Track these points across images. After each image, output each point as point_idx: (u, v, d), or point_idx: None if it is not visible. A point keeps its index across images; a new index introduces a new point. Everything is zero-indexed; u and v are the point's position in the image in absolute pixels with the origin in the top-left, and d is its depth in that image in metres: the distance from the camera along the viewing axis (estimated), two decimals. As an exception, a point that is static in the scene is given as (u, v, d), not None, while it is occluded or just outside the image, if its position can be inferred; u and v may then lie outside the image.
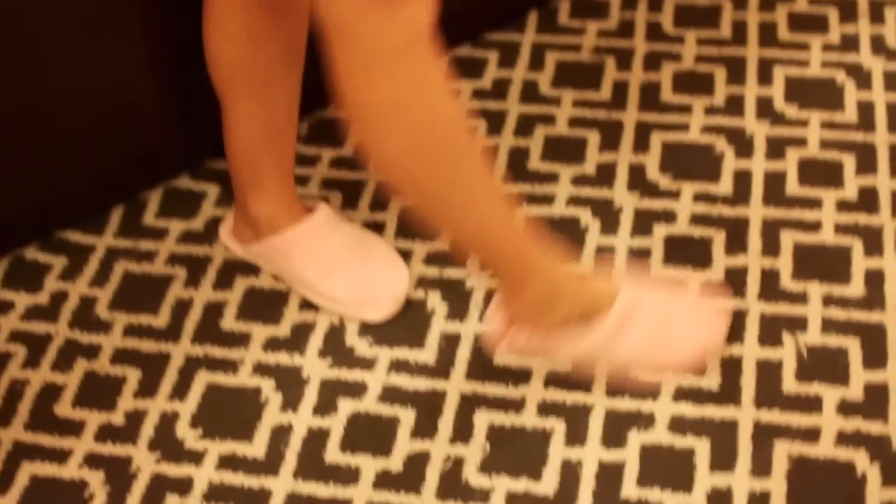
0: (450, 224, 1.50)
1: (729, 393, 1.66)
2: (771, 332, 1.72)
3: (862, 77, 2.05)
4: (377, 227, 1.87)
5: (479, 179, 1.46)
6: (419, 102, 1.36)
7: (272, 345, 1.75)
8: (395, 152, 1.40)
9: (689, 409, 1.64)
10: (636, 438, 1.62)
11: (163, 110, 1.87)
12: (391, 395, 1.69)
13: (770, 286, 1.77)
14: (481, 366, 1.71)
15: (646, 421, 1.63)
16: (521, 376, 1.69)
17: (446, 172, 1.42)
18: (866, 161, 1.92)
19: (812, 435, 1.61)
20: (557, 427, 1.64)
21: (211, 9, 1.64)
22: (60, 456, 1.66)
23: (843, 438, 1.60)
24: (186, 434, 1.66)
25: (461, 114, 1.42)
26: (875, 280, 1.77)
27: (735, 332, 1.72)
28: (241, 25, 1.63)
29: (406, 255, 1.83)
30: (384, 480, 1.60)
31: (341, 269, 1.76)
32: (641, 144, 1.96)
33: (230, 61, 1.67)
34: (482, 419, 1.65)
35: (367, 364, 1.72)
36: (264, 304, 1.80)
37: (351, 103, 1.38)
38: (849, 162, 1.92)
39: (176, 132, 1.92)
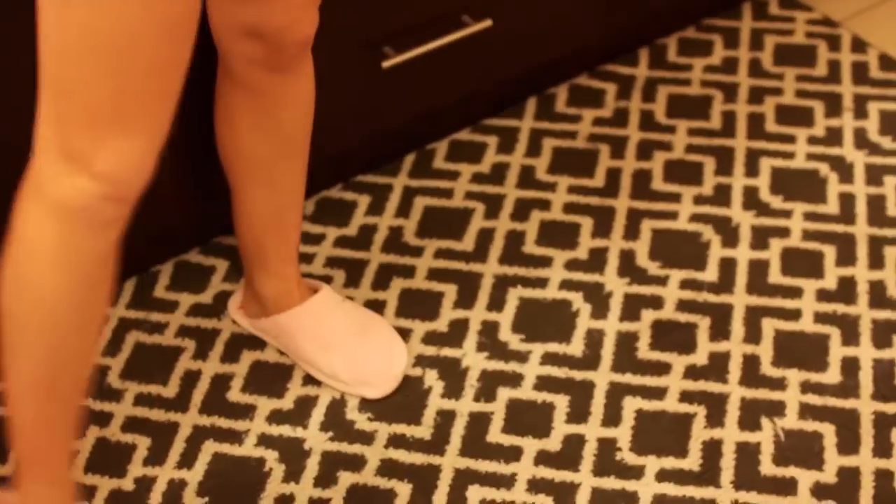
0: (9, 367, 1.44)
1: (709, 474, 1.74)
2: (750, 416, 1.80)
3: (844, 170, 2.15)
4: (378, 306, 1.96)
5: (52, 372, 1.42)
6: (41, 262, 1.35)
7: (276, 417, 1.84)
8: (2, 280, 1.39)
9: (671, 489, 1.73)
10: (620, 516, 1.71)
11: (175, 187, 1.96)
12: (389, 468, 1.77)
13: (751, 372, 1.86)
14: (475, 442, 1.79)
15: (629, 499, 1.72)
16: (512, 454, 1.77)
17: (34, 331, 1.39)
18: (846, 252, 2.02)
19: (787, 517, 1.70)
20: (546, 503, 1.72)
21: (219, 101, 1.75)
22: (72, 520, 1.74)
23: (817, 521, 1.69)
24: (193, 502, 1.74)
25: (88, 300, 1.39)
26: (851, 368, 1.86)
27: (716, 415, 1.80)
28: (245, 117, 1.73)
29: (405, 334, 1.92)
30: (380, 551, 1.69)
31: (341, 348, 1.85)
32: (632, 231, 2.06)
33: (236, 149, 1.77)
34: (475, 494, 1.73)
35: (367, 438, 1.80)
36: (269, 378, 1.89)
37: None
38: (829, 253, 2.02)
39: (187, 208, 2.01)
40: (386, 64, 1.99)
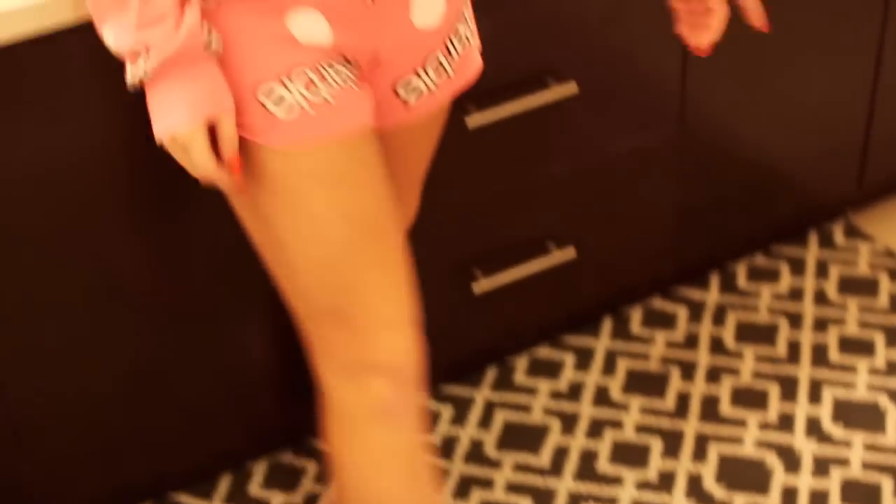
0: None
1: None
2: None
3: (903, 403, 2.27)
4: (458, 516, 2.09)
5: None
6: (370, 472, 1.48)
7: None
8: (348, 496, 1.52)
9: None
10: None
11: (273, 388, 2.10)
12: None
13: None
14: None
15: None
16: None
17: None
18: (903, 485, 2.13)
19: None
20: None
21: None
22: None
23: None
24: None
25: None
26: None
27: None
28: None
29: (483, 545, 2.04)
30: None
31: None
32: (700, 454, 2.18)
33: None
34: None
35: None
36: (355, 582, 2.01)
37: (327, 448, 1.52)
38: (887, 484, 2.13)
39: (283, 409, 2.15)
40: (477, 289, 2.14)
